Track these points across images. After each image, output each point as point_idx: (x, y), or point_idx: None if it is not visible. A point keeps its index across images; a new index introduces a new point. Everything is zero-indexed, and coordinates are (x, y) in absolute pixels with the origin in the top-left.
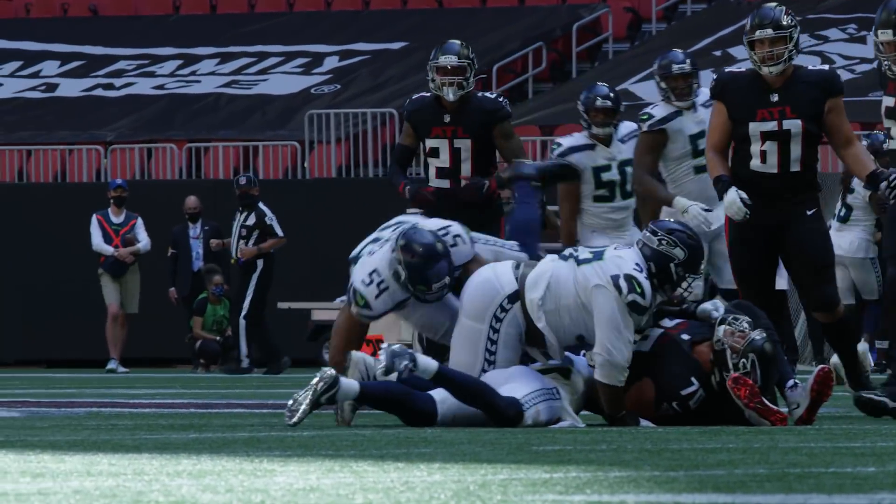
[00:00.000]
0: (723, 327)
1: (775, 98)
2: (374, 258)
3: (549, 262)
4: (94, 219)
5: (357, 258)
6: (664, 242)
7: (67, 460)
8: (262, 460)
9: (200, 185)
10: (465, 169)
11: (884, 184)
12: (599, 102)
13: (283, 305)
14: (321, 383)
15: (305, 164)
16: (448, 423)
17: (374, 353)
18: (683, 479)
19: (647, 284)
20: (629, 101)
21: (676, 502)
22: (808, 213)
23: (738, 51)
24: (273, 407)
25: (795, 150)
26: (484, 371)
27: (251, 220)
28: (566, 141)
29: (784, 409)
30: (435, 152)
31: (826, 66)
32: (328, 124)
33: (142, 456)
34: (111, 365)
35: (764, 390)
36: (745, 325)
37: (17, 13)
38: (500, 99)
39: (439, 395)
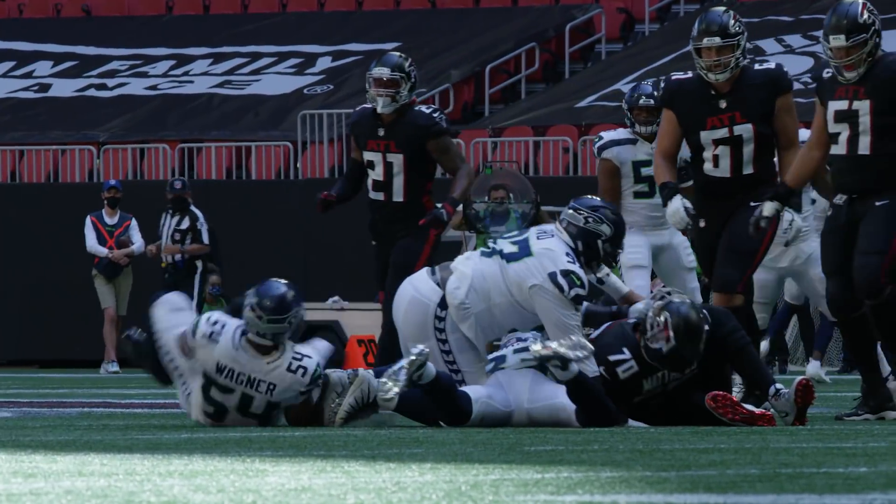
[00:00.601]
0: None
1: (724, 104)
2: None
3: (469, 262)
4: (87, 220)
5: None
6: (590, 220)
7: (59, 460)
8: (253, 460)
9: (193, 185)
10: (398, 183)
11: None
12: (643, 101)
13: None
14: (416, 360)
15: (298, 165)
16: (476, 424)
17: (366, 354)
18: (675, 479)
19: (582, 273)
20: (622, 101)
21: (668, 502)
22: (752, 203)
23: None
24: None
25: (748, 153)
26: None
27: (185, 224)
28: (608, 135)
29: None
30: (371, 165)
31: (773, 64)
32: (321, 125)
33: (133, 456)
34: (113, 367)
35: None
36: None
37: (10, 13)
38: (436, 114)
39: (475, 393)
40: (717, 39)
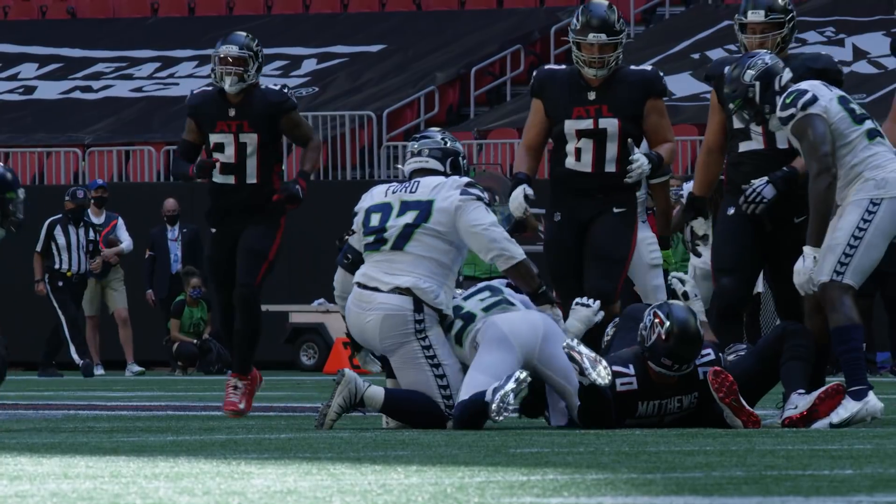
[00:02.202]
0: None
1: (592, 96)
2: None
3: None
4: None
5: None
6: (447, 140)
7: (45, 463)
8: (239, 463)
9: (179, 187)
10: (251, 164)
11: (742, 198)
12: None
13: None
14: (523, 379)
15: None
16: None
17: (351, 356)
18: (660, 481)
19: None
20: None
21: None
22: (615, 210)
23: (717, 53)
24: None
25: (611, 149)
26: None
27: (91, 235)
28: None
29: (760, 413)
30: (220, 147)
31: (650, 67)
32: None
33: (119, 458)
34: (135, 368)
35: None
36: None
37: None
38: (285, 90)
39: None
40: (603, 36)
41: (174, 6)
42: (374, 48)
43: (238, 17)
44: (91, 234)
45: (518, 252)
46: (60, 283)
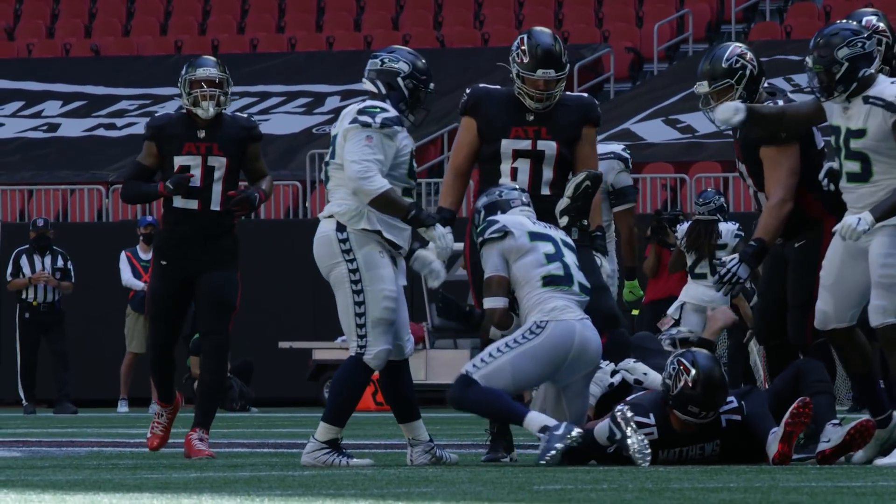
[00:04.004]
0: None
1: (531, 118)
2: None
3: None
4: (122, 255)
5: None
6: (386, 60)
7: (69, 500)
8: (263, 500)
9: None
10: (217, 190)
11: (716, 278)
12: None
13: (283, 345)
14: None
15: (307, 204)
16: None
17: (374, 392)
18: None
19: (387, 106)
20: (630, 140)
21: None
22: None
23: None
24: (274, 446)
25: (547, 172)
26: None
27: (60, 262)
28: None
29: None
30: (185, 170)
31: (585, 94)
32: None
33: (143, 495)
34: (121, 407)
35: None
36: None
37: (20, 53)
38: (253, 118)
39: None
40: (552, 72)
41: (198, 45)
42: None
43: (261, 55)
44: (59, 261)
45: (374, 187)
46: (27, 315)
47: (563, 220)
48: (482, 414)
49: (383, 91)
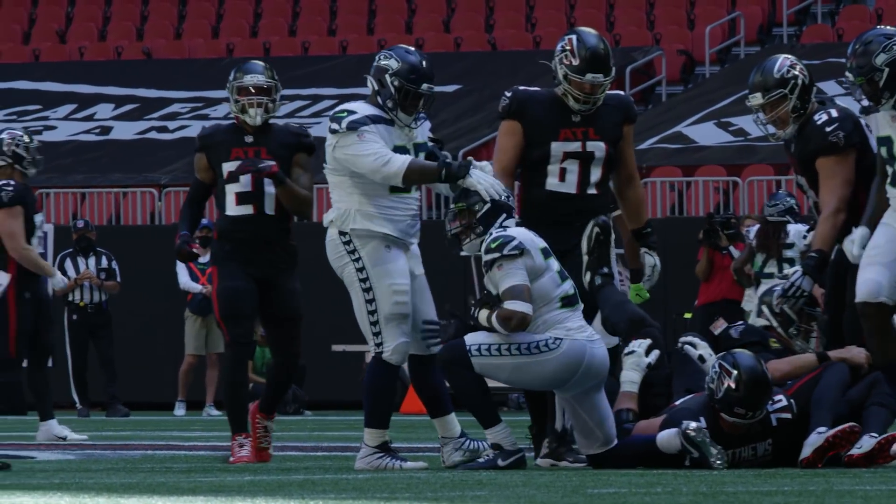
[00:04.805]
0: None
1: (577, 119)
2: None
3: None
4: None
5: None
6: (380, 58)
7: (122, 503)
8: (317, 503)
9: None
10: (270, 192)
11: (780, 293)
12: None
13: (337, 348)
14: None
15: None
16: None
17: None
18: None
19: (356, 108)
20: (682, 143)
21: None
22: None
23: None
24: (327, 450)
25: (595, 173)
26: None
27: (104, 262)
28: None
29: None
30: (234, 177)
31: (622, 92)
32: None
33: (197, 498)
34: (213, 411)
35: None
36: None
37: (72, 56)
38: (304, 122)
39: None
40: (601, 77)
41: (249, 47)
42: (450, 88)
43: (312, 58)
44: (104, 262)
45: (395, 168)
46: (75, 317)
47: (587, 277)
48: (461, 398)
49: (375, 87)
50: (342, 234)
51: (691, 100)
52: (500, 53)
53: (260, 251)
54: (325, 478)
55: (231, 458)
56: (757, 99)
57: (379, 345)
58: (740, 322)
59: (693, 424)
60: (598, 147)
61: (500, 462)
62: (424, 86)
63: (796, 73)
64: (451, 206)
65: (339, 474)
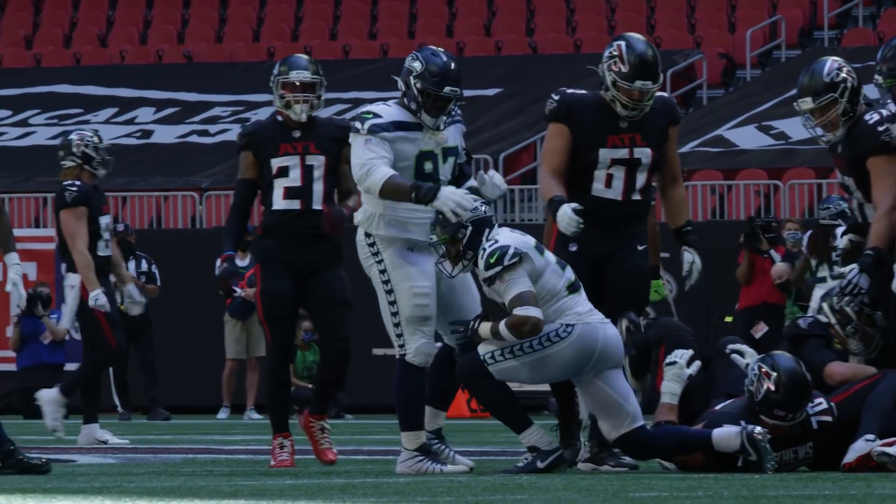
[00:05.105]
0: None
1: (624, 125)
2: None
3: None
4: (218, 262)
5: None
6: (407, 59)
7: None
8: None
9: None
10: (318, 189)
11: (837, 292)
12: None
13: (377, 352)
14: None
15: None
16: None
17: (469, 399)
18: None
19: (379, 109)
20: (723, 147)
21: None
22: (639, 248)
23: None
24: (368, 453)
25: (641, 178)
26: None
27: (144, 266)
28: None
29: None
30: (284, 172)
31: (665, 94)
32: None
33: (238, 502)
34: (254, 415)
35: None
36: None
37: (113, 60)
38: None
39: None
40: (650, 84)
41: (290, 51)
42: (490, 92)
43: (353, 61)
44: (143, 265)
45: (375, 179)
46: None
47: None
48: (489, 410)
49: (403, 89)
50: (367, 235)
51: (732, 103)
52: (540, 57)
53: (305, 247)
54: (366, 481)
55: (272, 462)
56: (807, 103)
57: (402, 346)
58: (810, 315)
59: (759, 428)
60: (644, 153)
61: (539, 464)
62: (447, 89)
63: (845, 75)
64: (432, 237)
65: (380, 478)
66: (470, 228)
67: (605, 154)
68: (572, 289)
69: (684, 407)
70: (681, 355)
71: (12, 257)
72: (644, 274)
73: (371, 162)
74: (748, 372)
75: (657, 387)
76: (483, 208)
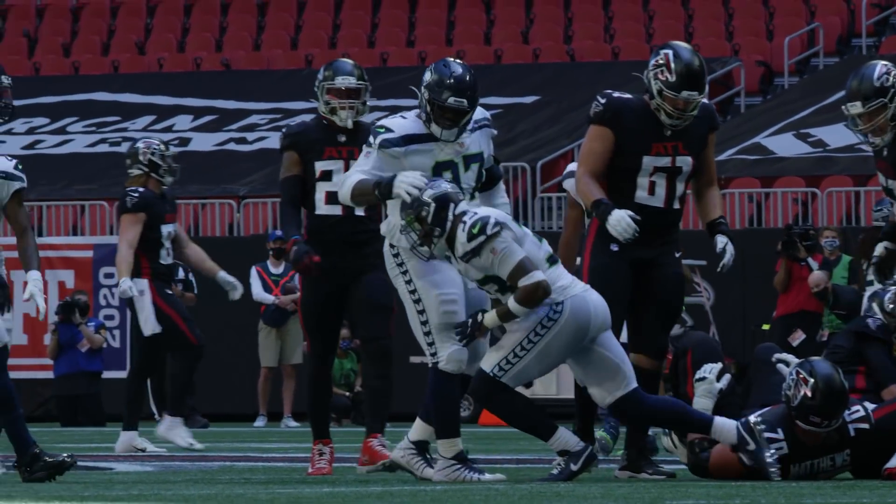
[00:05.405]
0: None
1: (668, 133)
2: None
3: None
4: (253, 270)
5: None
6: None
7: None
8: None
9: None
10: None
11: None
12: None
13: (415, 360)
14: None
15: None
16: None
17: None
18: None
19: (393, 122)
20: (761, 154)
21: None
22: (676, 254)
23: None
24: None
25: (680, 187)
26: None
27: (181, 274)
28: (573, 166)
29: None
30: (327, 176)
31: (705, 100)
32: None
33: None
34: (291, 422)
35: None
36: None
37: (151, 68)
38: None
39: None
40: (696, 94)
41: (328, 58)
42: (528, 99)
43: (391, 69)
44: (180, 273)
45: (345, 189)
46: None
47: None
48: (512, 423)
49: (427, 109)
50: (392, 246)
51: (770, 111)
52: (578, 64)
53: (346, 253)
54: (404, 489)
55: (309, 469)
56: (856, 108)
57: (434, 354)
58: (878, 316)
59: (753, 417)
60: (686, 162)
61: (573, 467)
62: (451, 99)
63: (893, 80)
64: (402, 226)
65: (418, 486)
66: (433, 205)
67: (648, 161)
68: (552, 261)
69: (718, 412)
70: (710, 370)
71: (33, 274)
72: (682, 280)
73: (352, 173)
74: (786, 377)
75: (689, 394)
76: (446, 186)
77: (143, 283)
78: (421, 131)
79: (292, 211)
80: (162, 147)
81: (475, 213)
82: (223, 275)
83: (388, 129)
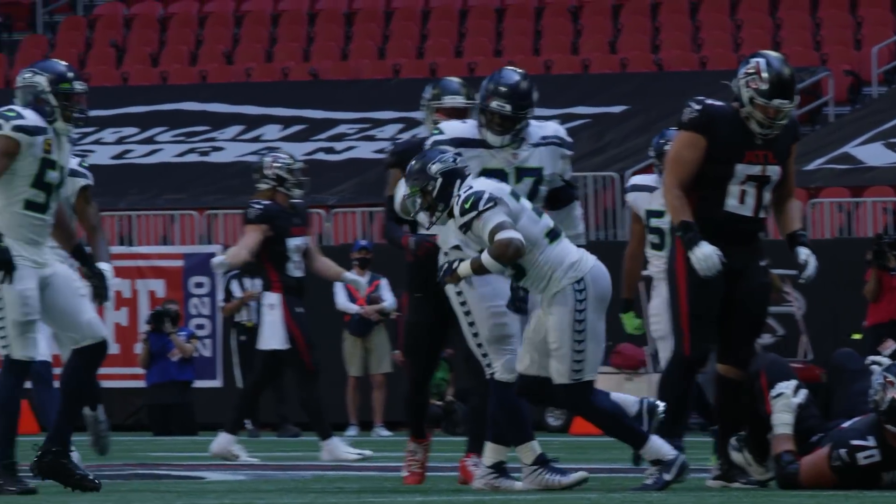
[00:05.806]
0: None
1: (759, 141)
2: None
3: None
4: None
5: None
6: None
7: None
8: None
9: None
10: None
11: None
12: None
13: None
14: None
15: None
16: None
17: None
18: None
19: (450, 126)
20: (850, 164)
21: None
22: (762, 263)
23: None
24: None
25: (767, 195)
26: None
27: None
28: (637, 179)
29: None
30: None
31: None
32: None
33: None
34: (383, 432)
35: None
36: None
37: (238, 77)
38: None
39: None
40: (788, 103)
41: (416, 68)
42: (617, 109)
43: (479, 78)
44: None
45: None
46: (243, 338)
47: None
48: (602, 427)
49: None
50: (445, 254)
51: (859, 120)
52: (666, 74)
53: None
54: (496, 498)
55: (404, 474)
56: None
57: (489, 366)
58: None
59: (662, 404)
60: (774, 171)
61: (666, 476)
62: (495, 103)
63: None
64: (406, 194)
65: (509, 495)
66: (440, 180)
67: (740, 170)
68: (553, 235)
69: (799, 424)
70: (786, 386)
71: (104, 265)
72: (768, 290)
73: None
74: (872, 381)
75: (768, 414)
76: (455, 160)
77: (275, 298)
78: (473, 136)
79: (396, 227)
80: (289, 160)
81: (470, 187)
82: (348, 274)
83: (440, 132)
